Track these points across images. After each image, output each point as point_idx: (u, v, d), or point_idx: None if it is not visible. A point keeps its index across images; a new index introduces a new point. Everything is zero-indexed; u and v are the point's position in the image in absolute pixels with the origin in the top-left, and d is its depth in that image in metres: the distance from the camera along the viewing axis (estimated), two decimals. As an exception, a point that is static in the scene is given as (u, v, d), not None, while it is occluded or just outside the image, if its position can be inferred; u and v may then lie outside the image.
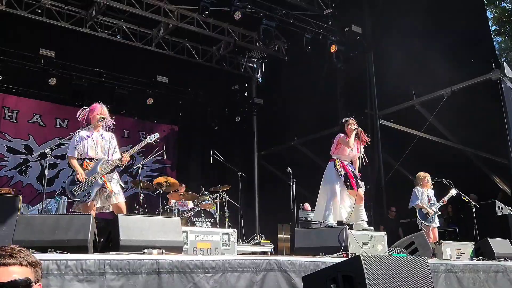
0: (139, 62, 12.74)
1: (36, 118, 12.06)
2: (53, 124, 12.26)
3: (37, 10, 10.56)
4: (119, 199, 5.40)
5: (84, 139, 5.43)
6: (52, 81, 11.39)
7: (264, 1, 10.78)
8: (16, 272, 1.72)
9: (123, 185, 5.66)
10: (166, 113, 13.99)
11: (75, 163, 5.34)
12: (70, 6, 11.04)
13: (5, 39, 10.75)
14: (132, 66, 12.70)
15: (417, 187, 7.86)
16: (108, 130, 5.67)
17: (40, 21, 10.61)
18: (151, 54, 12.57)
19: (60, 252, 3.33)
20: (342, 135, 6.57)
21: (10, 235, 3.70)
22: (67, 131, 11.27)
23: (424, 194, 7.80)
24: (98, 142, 5.47)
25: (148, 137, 5.71)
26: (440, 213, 7.98)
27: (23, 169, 11.68)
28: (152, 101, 12.91)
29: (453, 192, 7.81)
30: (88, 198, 5.19)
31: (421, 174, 7.97)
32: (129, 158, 5.48)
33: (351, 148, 6.51)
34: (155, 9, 11.19)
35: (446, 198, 7.83)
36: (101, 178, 5.25)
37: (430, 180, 7.89)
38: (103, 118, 5.53)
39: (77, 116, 5.57)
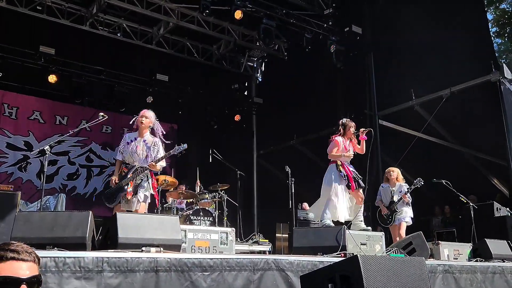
0: (139, 60, 12.74)
1: (36, 115, 12.07)
2: (52, 121, 12.26)
3: (37, 7, 10.54)
4: (139, 207, 5.48)
5: (128, 144, 5.65)
6: (52, 78, 11.40)
7: (265, 0, 10.78)
8: (32, 269, 1.76)
9: (148, 195, 5.65)
10: (165, 111, 13.88)
11: (117, 166, 5.66)
12: (70, 4, 11.02)
13: (5, 36, 10.74)
14: (132, 64, 12.70)
15: (382, 184, 7.57)
16: (156, 135, 5.77)
17: (41, 18, 10.59)
18: (151, 53, 12.56)
19: (58, 249, 3.34)
20: (338, 140, 6.62)
21: (9, 232, 3.71)
22: (67, 128, 11.32)
23: (387, 191, 7.40)
24: (138, 147, 5.60)
25: (177, 147, 5.65)
26: (397, 211, 7.21)
27: (23, 165, 11.69)
28: (152, 99, 12.91)
29: (418, 183, 7.20)
30: (113, 202, 5.46)
31: (387, 170, 7.59)
32: (158, 167, 5.55)
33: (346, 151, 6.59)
34: (155, 7, 11.18)
35: (408, 190, 7.20)
36: (128, 184, 5.41)
37: (394, 175, 7.40)
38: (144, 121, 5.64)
39: (130, 123, 5.79)
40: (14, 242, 1.81)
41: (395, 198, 7.28)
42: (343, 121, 6.85)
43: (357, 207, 6.62)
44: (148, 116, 5.68)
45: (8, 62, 10.98)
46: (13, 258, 1.73)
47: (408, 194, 7.23)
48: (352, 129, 6.66)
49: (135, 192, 5.51)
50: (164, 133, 5.85)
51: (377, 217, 7.34)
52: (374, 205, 10.28)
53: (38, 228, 3.65)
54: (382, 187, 7.51)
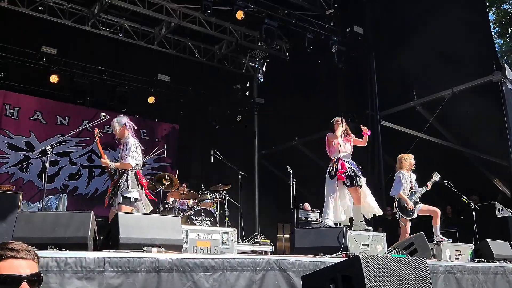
0: (140, 60, 12.74)
1: (37, 116, 12.09)
2: (54, 121, 12.29)
3: (39, 8, 10.54)
4: (116, 209, 5.41)
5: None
6: (54, 78, 11.42)
7: (267, 0, 10.79)
8: (32, 267, 1.78)
9: (129, 196, 5.48)
10: (167, 111, 14.02)
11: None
12: (72, 4, 11.02)
13: (7, 36, 10.76)
14: (133, 64, 12.72)
15: (401, 171, 6.86)
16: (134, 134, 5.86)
17: (42, 18, 10.59)
18: (153, 53, 12.56)
19: (59, 249, 3.34)
20: (331, 133, 6.68)
21: (10, 232, 3.71)
22: (68, 129, 11.33)
23: (408, 180, 6.84)
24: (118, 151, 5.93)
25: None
26: (419, 203, 6.83)
27: (24, 166, 11.70)
28: (154, 99, 12.93)
29: (436, 177, 6.93)
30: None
31: (406, 155, 7.01)
32: (106, 161, 5.63)
33: (338, 138, 6.56)
34: (157, 7, 11.18)
35: (430, 184, 6.89)
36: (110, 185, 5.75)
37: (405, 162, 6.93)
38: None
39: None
40: (13, 241, 1.82)
41: (416, 189, 6.87)
42: (333, 120, 6.90)
43: (356, 208, 6.58)
44: (113, 125, 5.69)
45: (9, 62, 11.02)
46: (12, 257, 1.75)
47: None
48: (342, 125, 6.67)
49: (114, 194, 5.52)
50: (135, 128, 5.89)
51: (397, 207, 6.76)
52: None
53: (40, 228, 3.65)
54: (404, 175, 6.85)
